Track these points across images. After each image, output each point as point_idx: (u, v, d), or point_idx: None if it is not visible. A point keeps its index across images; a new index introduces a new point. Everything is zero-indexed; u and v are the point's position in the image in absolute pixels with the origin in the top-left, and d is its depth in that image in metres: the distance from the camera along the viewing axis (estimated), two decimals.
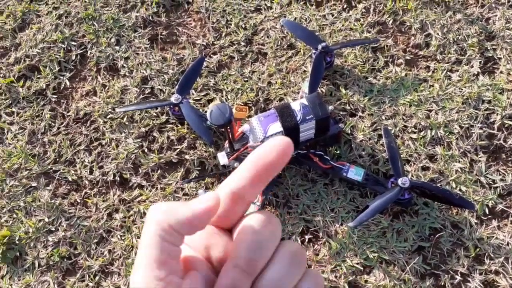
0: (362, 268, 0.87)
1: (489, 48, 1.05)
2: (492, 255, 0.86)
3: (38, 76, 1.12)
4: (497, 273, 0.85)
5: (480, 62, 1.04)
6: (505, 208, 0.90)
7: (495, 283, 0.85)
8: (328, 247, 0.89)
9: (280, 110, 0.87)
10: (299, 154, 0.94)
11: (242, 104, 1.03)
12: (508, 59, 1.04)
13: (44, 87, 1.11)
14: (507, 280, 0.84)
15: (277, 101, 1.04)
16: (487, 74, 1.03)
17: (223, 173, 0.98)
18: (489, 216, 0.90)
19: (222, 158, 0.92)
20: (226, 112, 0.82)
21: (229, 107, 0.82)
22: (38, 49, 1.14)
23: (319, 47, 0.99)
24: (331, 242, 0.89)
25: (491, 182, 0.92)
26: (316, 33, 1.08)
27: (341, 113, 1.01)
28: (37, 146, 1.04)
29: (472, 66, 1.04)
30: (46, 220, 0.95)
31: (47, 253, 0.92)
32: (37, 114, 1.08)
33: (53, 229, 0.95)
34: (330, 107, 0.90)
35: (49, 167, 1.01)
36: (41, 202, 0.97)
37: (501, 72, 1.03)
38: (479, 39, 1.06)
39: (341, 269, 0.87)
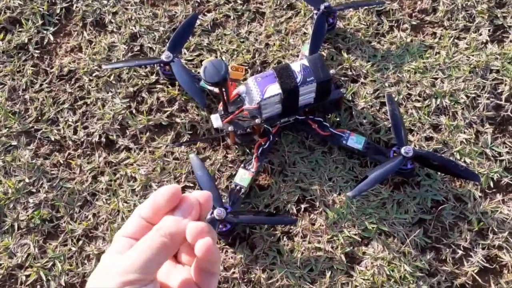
0: (360, 239, 0.83)
1: (499, 16, 1.00)
2: (495, 229, 0.83)
3: (20, 29, 1.05)
4: (500, 248, 0.82)
5: (489, 30, 0.99)
6: (511, 182, 0.87)
7: (498, 258, 0.82)
8: (325, 217, 0.85)
9: (279, 70, 0.82)
10: (297, 120, 0.89)
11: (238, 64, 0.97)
12: None
13: (26, 41, 1.03)
14: (510, 256, 0.81)
15: (275, 64, 0.98)
16: (496, 42, 0.99)
17: (215, 137, 0.92)
18: (494, 190, 0.86)
19: (216, 120, 0.86)
20: (221, 69, 0.76)
21: (224, 64, 0.76)
22: (20, 0, 1.06)
23: (322, 7, 0.93)
24: (328, 212, 0.85)
25: (496, 155, 0.89)
26: None
27: (342, 78, 0.96)
28: (17, 103, 0.97)
29: (480, 34, 0.99)
30: (27, 180, 0.89)
31: (28, 215, 0.87)
32: (18, 70, 1.01)
33: (34, 190, 0.89)
34: (331, 71, 0.85)
35: (31, 125, 0.95)
36: (21, 162, 0.91)
37: (510, 41, 0.98)
38: (488, 6, 1.01)
39: (338, 239, 0.83)
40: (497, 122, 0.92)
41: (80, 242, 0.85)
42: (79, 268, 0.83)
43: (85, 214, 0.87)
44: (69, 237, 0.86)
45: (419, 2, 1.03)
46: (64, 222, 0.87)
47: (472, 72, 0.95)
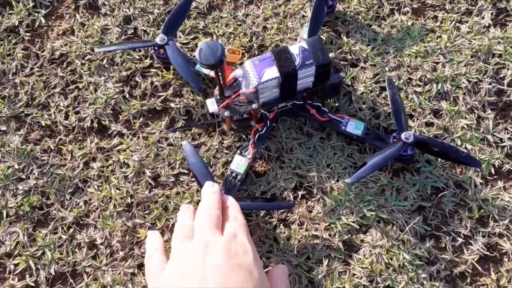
0: (358, 227, 0.81)
1: None
2: (496, 217, 0.81)
3: (10, 12, 1.02)
4: (500, 236, 0.80)
5: (491, 14, 0.97)
6: None
7: (499, 246, 0.80)
8: (322, 204, 0.83)
9: (277, 53, 0.79)
10: (295, 105, 0.87)
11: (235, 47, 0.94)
12: None
13: (16, 24, 1.00)
14: (511, 244, 0.79)
15: (273, 48, 0.96)
16: (499, 26, 0.96)
17: (211, 123, 0.90)
18: (495, 176, 0.84)
19: (211, 105, 0.84)
20: (217, 51, 0.73)
21: (220, 46, 0.74)
22: None
23: None
24: (326, 199, 0.83)
25: (498, 141, 0.87)
26: None
27: (342, 62, 0.94)
28: (7, 87, 0.95)
29: (483, 18, 0.97)
30: (16, 166, 0.87)
31: (17, 202, 0.85)
32: (8, 53, 0.98)
33: (23, 176, 0.87)
34: (331, 54, 0.82)
35: (21, 110, 0.92)
36: (10, 148, 0.89)
37: None
38: None
39: (336, 227, 0.81)
40: (499, 107, 0.90)
41: (71, 230, 0.83)
42: (69, 257, 0.81)
43: (76, 201, 0.85)
44: (60, 224, 0.83)
45: None
46: (55, 209, 0.84)
47: (474, 57, 0.93)
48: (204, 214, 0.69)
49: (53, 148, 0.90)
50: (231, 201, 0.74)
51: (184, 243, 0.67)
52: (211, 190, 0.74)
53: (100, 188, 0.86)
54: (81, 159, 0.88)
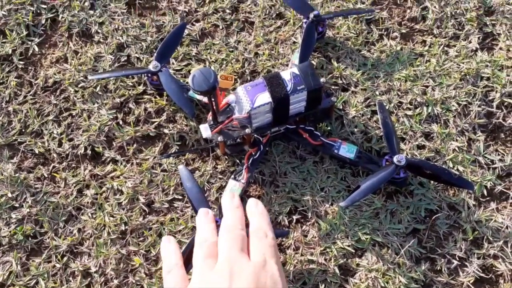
0: (353, 251, 0.81)
1: (488, 23, 1.00)
2: (490, 238, 0.81)
3: (4, 40, 1.02)
4: (495, 257, 0.81)
5: (478, 38, 0.99)
6: (504, 190, 0.85)
7: (494, 268, 0.80)
8: (317, 228, 0.83)
9: (269, 79, 0.80)
10: (287, 130, 0.87)
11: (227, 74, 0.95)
12: (508, 35, 0.99)
13: (10, 52, 1.01)
14: (506, 265, 0.80)
15: (265, 73, 0.97)
16: (486, 50, 0.98)
17: (204, 148, 0.90)
18: (488, 198, 0.85)
19: (205, 130, 0.84)
20: (210, 78, 0.74)
21: (213, 72, 0.75)
22: (4, 11, 1.04)
23: (311, 15, 0.92)
24: (321, 223, 0.83)
25: (489, 162, 0.88)
26: (308, 1, 1.01)
27: (333, 87, 0.95)
28: (0, 115, 0.95)
29: (470, 42, 0.99)
30: (9, 195, 0.87)
31: (10, 231, 0.84)
32: (1, 81, 0.98)
33: (17, 205, 0.86)
34: (322, 79, 0.84)
35: (14, 138, 0.92)
36: (4, 176, 0.88)
37: (500, 48, 0.98)
38: (477, 14, 1.01)
39: (331, 251, 0.81)
40: (489, 129, 0.91)
41: (65, 259, 0.82)
42: (63, 286, 0.80)
43: (69, 229, 0.85)
44: (53, 253, 0.83)
45: (408, 11, 1.03)
46: (48, 237, 0.84)
47: (463, 80, 0.94)
48: (228, 234, 0.63)
49: (46, 176, 0.89)
50: (258, 210, 0.68)
51: (208, 263, 0.61)
52: (233, 205, 0.68)
53: (94, 216, 0.85)
54: (74, 187, 0.88)
